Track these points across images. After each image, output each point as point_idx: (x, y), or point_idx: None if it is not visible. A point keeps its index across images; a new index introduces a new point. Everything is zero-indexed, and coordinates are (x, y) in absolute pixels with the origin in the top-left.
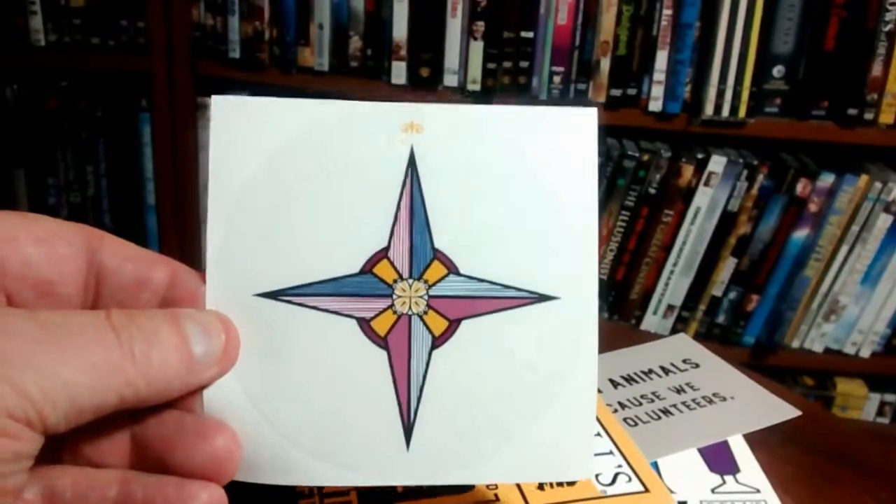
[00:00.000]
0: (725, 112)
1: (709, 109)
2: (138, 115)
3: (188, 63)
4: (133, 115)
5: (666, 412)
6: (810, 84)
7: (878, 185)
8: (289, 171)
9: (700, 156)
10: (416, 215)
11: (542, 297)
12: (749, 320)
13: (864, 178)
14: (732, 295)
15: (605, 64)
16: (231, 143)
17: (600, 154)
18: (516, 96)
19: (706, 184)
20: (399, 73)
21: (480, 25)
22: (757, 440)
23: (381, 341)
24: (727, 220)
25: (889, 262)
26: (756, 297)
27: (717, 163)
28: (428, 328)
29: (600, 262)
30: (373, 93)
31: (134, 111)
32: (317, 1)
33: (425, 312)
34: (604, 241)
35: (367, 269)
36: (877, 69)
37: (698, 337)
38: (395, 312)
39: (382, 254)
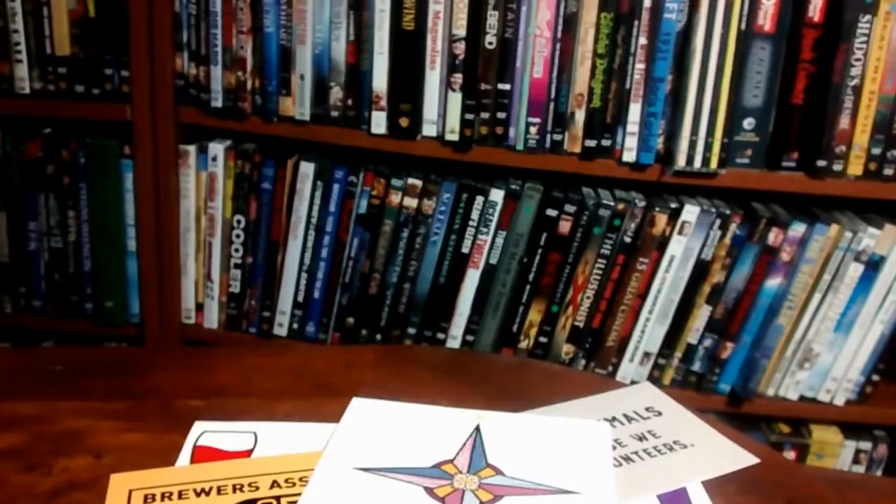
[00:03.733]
0: (698, 163)
1: (681, 160)
2: (120, 162)
3: (171, 111)
4: (115, 162)
5: (627, 459)
6: (780, 136)
7: (848, 234)
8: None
9: (674, 205)
10: (476, 448)
11: (565, 491)
12: (724, 368)
13: (834, 227)
14: (707, 343)
15: (580, 115)
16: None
17: (575, 203)
18: (494, 146)
19: (680, 232)
20: (379, 122)
21: (458, 77)
22: (715, 487)
23: (440, 501)
24: (701, 269)
25: (861, 310)
26: (730, 344)
27: (690, 212)
28: (477, 497)
29: (577, 310)
30: (353, 141)
31: (116, 158)
32: (298, 52)
33: (476, 489)
34: (580, 288)
35: (437, 465)
36: (844, 122)
37: (674, 384)
38: (453, 487)
39: (449, 461)
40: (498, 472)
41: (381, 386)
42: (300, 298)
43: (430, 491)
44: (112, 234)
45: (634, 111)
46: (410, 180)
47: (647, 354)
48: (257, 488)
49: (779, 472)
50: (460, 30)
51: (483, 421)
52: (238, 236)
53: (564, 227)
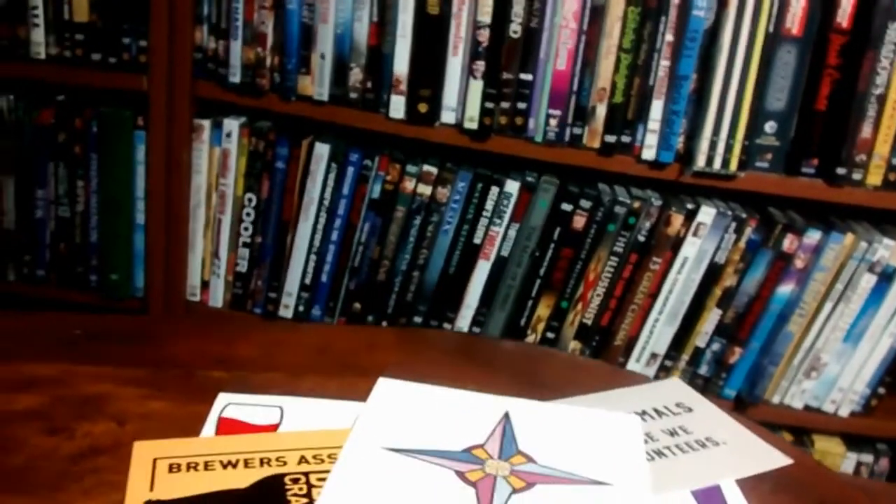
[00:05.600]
0: (717, 164)
1: (701, 161)
2: (133, 134)
3: (187, 84)
4: (128, 133)
5: (659, 453)
6: (801, 141)
7: (863, 244)
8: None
9: (690, 206)
10: (507, 434)
11: (598, 482)
12: (731, 373)
13: (850, 236)
14: (716, 346)
15: (601, 110)
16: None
17: (591, 198)
18: (513, 137)
19: (695, 234)
20: (398, 107)
21: (480, 65)
22: (749, 486)
23: (472, 485)
24: (714, 272)
25: (871, 322)
26: (739, 349)
27: (706, 214)
28: (509, 483)
29: (586, 307)
30: (370, 125)
31: (129, 129)
32: (320, 31)
33: (507, 475)
34: (591, 285)
35: (467, 450)
36: (866, 131)
37: None
38: (484, 472)
39: (479, 446)
40: (529, 459)
41: (405, 368)
42: (307, 281)
43: (461, 475)
44: (121, 206)
45: (657, 108)
46: (426, 167)
47: (654, 355)
48: (285, 463)
49: (811, 474)
50: (485, 17)
51: (512, 408)
52: (248, 215)
53: (579, 222)
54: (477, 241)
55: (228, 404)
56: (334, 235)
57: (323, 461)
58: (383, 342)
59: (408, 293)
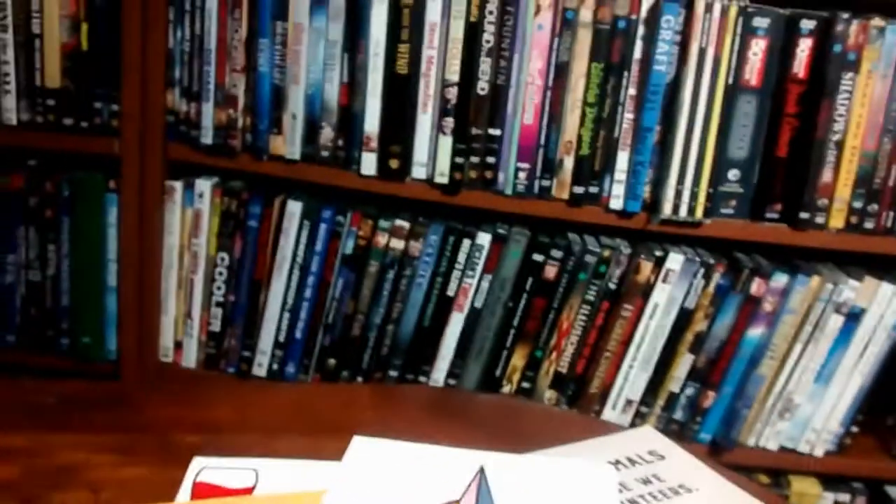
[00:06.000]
0: (683, 212)
1: (667, 209)
2: (105, 197)
3: (159, 147)
4: (100, 196)
5: (633, 503)
6: (764, 188)
7: (829, 286)
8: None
9: (658, 253)
10: (482, 489)
11: None
12: (705, 417)
13: (816, 279)
14: (689, 391)
15: (569, 162)
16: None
17: (561, 248)
18: (483, 190)
19: (664, 280)
20: (369, 164)
21: (449, 121)
22: None
23: None
24: (684, 317)
25: (841, 362)
26: (712, 393)
27: (674, 261)
28: None
29: (561, 356)
30: (342, 182)
31: (101, 192)
32: (291, 92)
33: None
34: (564, 334)
35: None
36: (827, 176)
37: None
38: None
39: (455, 502)
40: None
41: (381, 425)
42: (281, 338)
43: None
44: (93, 269)
45: (622, 159)
46: (398, 222)
47: (629, 402)
48: None
49: None
50: (453, 75)
51: (487, 461)
52: (221, 274)
53: (550, 272)
54: (450, 293)
55: (203, 468)
56: (308, 292)
57: None
58: (359, 400)
59: (383, 348)
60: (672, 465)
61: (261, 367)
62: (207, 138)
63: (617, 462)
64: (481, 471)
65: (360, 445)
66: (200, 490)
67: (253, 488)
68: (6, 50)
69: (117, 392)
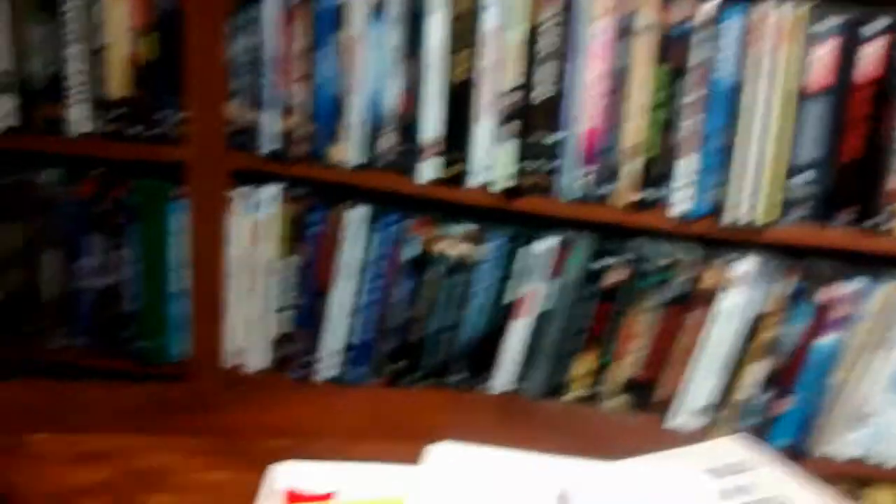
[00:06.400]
0: (750, 217)
1: (733, 214)
2: (170, 204)
3: (222, 155)
4: (165, 204)
5: None
6: (834, 192)
7: None
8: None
9: (726, 259)
10: (572, 502)
11: None
12: (775, 425)
13: (890, 284)
14: (759, 399)
15: (631, 167)
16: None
17: (625, 254)
18: (543, 196)
19: (732, 287)
20: (429, 170)
21: (509, 127)
22: None
23: None
24: (754, 324)
25: None
26: (783, 402)
27: (742, 266)
28: None
29: (626, 363)
30: (403, 188)
31: (166, 199)
32: (350, 100)
33: None
34: (629, 340)
35: None
36: (894, 182)
37: None
38: None
39: None
40: None
41: (457, 431)
42: (344, 344)
43: None
44: (158, 275)
45: (686, 164)
46: (459, 228)
47: (696, 409)
48: None
49: None
50: (512, 81)
51: (574, 473)
52: (285, 280)
53: (614, 278)
54: (513, 299)
55: (286, 473)
56: (370, 297)
57: None
58: (434, 405)
59: (445, 353)
60: (765, 476)
61: (324, 372)
62: (269, 146)
63: (710, 471)
64: (568, 482)
65: (440, 451)
66: (283, 495)
67: (335, 494)
68: (74, 62)
69: (197, 396)
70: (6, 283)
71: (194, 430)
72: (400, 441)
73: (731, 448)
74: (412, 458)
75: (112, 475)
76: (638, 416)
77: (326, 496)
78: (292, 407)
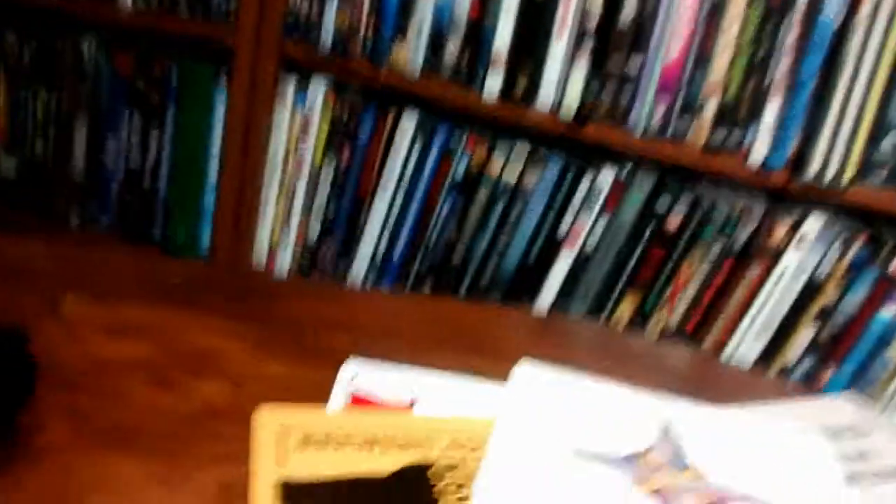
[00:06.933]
0: (829, 175)
1: (813, 169)
2: (214, 89)
3: (276, 43)
4: (209, 88)
5: (852, 480)
6: None
7: None
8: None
9: (795, 216)
10: (674, 443)
11: None
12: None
13: None
14: (806, 364)
15: (711, 106)
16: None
17: (689, 198)
18: (612, 126)
19: (797, 245)
20: (493, 84)
21: (587, 47)
22: None
23: (656, 496)
24: (813, 287)
25: None
26: (831, 370)
27: (811, 225)
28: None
29: (672, 311)
30: (462, 101)
31: (210, 83)
32: None
33: (687, 491)
34: (679, 289)
35: (632, 457)
36: None
37: None
38: (657, 483)
39: (643, 453)
40: (702, 475)
41: (538, 354)
42: (378, 257)
43: (632, 484)
44: (194, 163)
45: (771, 110)
46: (516, 150)
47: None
48: (428, 451)
49: None
50: None
51: (674, 412)
52: (324, 183)
53: (674, 222)
54: (562, 231)
55: (356, 375)
56: (411, 212)
57: (471, 451)
58: (512, 323)
59: (482, 279)
60: (884, 441)
61: (353, 283)
62: (327, 40)
63: (822, 431)
64: (669, 421)
65: (526, 372)
66: (355, 399)
67: (412, 404)
68: None
69: (248, 281)
70: (33, 152)
71: (244, 315)
72: (477, 356)
73: (842, 407)
74: (493, 376)
75: (153, 352)
76: (750, 367)
77: (405, 406)
78: (357, 305)
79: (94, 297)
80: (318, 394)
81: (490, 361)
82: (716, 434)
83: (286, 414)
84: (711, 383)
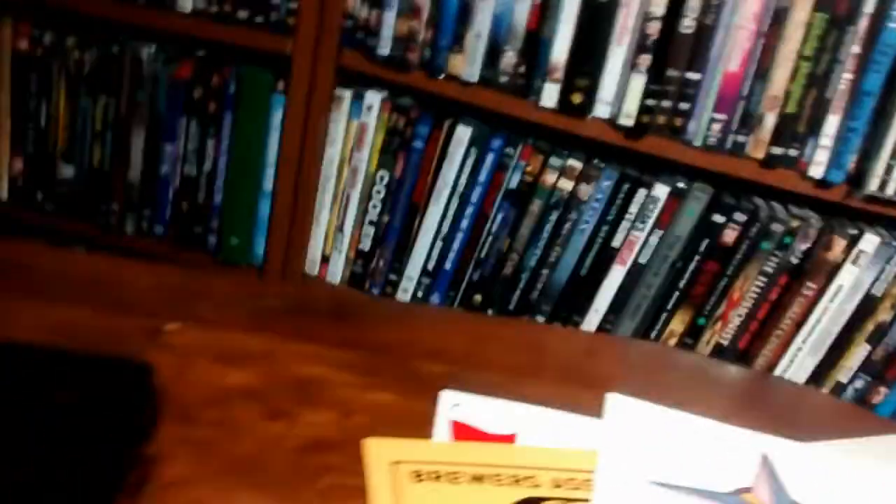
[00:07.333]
0: (890, 190)
1: (873, 184)
2: (271, 97)
3: (333, 52)
4: (266, 96)
5: None
6: None
7: None
8: None
9: (853, 232)
10: (775, 479)
11: None
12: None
13: None
14: (858, 384)
15: (771, 119)
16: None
17: (746, 212)
18: (669, 138)
19: (854, 262)
20: (550, 95)
21: (645, 59)
22: None
23: None
24: (868, 304)
25: None
26: (884, 390)
27: (869, 242)
28: None
29: (725, 327)
30: (517, 111)
31: (268, 91)
32: (479, 9)
33: None
34: (734, 304)
35: (737, 493)
36: None
37: None
38: None
39: (747, 489)
40: None
41: (629, 383)
42: (430, 266)
43: None
44: (250, 170)
45: (832, 123)
46: (571, 161)
47: None
48: (538, 485)
49: None
50: (658, 8)
51: (771, 447)
52: (378, 192)
53: (730, 236)
54: (615, 244)
55: (456, 405)
56: (464, 223)
57: (578, 487)
58: (600, 349)
59: (533, 291)
60: None
61: (405, 293)
62: (384, 49)
63: None
64: (766, 457)
65: (619, 404)
66: (459, 430)
67: (514, 436)
68: None
69: (339, 303)
70: (90, 160)
71: (343, 341)
72: (571, 385)
73: None
74: (587, 407)
75: (260, 380)
76: (833, 396)
77: (507, 438)
78: (448, 332)
79: (196, 323)
80: (423, 424)
81: (582, 390)
82: (814, 469)
83: (395, 446)
84: (809, 417)
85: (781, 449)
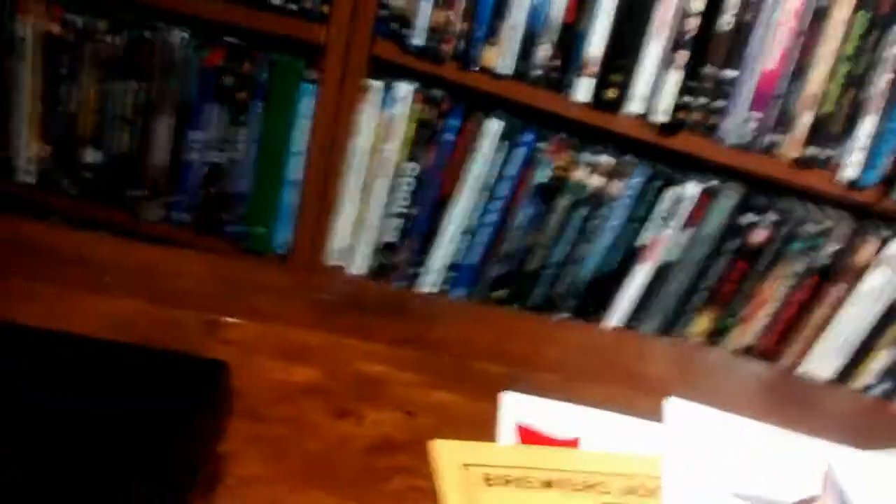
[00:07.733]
0: None
1: None
2: (301, 86)
3: (367, 42)
4: (296, 85)
5: None
6: None
7: None
8: None
9: (885, 234)
10: (841, 488)
11: None
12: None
13: None
14: (881, 388)
15: (807, 119)
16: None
17: (777, 212)
18: (703, 136)
19: (884, 265)
20: (584, 90)
21: (682, 55)
22: None
23: None
24: (894, 309)
25: None
26: None
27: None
28: None
29: (752, 327)
30: (550, 105)
31: (299, 80)
32: (515, 1)
33: None
34: (761, 304)
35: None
36: None
37: None
38: None
39: (814, 499)
40: None
41: (685, 387)
42: (454, 260)
43: None
44: (275, 159)
45: (868, 124)
46: (602, 157)
47: None
48: (608, 491)
49: None
50: (697, 4)
51: (835, 456)
52: (406, 184)
53: (759, 236)
54: (643, 241)
55: (515, 406)
56: (491, 217)
57: (648, 494)
58: (654, 353)
59: (558, 286)
60: None
61: (428, 287)
62: (419, 39)
63: None
64: (830, 466)
65: (680, 409)
66: (525, 434)
67: (577, 440)
68: None
69: (402, 300)
70: (116, 143)
71: (403, 339)
72: (628, 389)
73: None
74: (645, 411)
75: (324, 378)
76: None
77: (571, 442)
78: (506, 332)
79: (253, 317)
80: (486, 426)
81: (640, 394)
82: (880, 478)
83: (463, 449)
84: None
85: (846, 457)
